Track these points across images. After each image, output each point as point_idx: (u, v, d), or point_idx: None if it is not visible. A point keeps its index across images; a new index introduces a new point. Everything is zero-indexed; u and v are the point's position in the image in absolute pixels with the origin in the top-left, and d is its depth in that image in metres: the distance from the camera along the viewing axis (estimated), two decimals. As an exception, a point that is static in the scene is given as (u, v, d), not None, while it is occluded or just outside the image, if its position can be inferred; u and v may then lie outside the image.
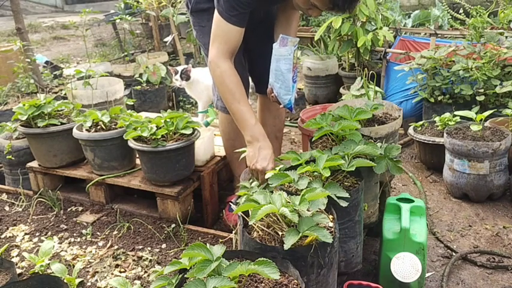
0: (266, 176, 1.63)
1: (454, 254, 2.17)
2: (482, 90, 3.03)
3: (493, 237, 2.31)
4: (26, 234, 2.38)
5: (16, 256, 2.21)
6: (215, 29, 1.94)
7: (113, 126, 2.44)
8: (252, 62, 2.37)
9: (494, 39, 3.37)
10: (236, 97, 1.92)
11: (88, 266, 2.10)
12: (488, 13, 3.93)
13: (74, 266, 2.07)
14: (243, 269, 1.14)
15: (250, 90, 2.55)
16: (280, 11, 2.16)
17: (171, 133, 2.27)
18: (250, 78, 2.47)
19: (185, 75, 3.34)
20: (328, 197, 1.44)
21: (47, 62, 5.81)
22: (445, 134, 2.64)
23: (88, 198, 2.56)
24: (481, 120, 2.60)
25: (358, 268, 1.76)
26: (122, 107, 2.56)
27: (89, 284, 1.99)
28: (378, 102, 2.18)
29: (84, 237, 2.31)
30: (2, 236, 2.38)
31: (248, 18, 2.04)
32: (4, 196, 2.77)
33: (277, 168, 1.70)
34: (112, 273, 2.04)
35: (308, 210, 1.36)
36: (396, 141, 2.15)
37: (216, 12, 1.93)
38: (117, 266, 2.09)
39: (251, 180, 1.81)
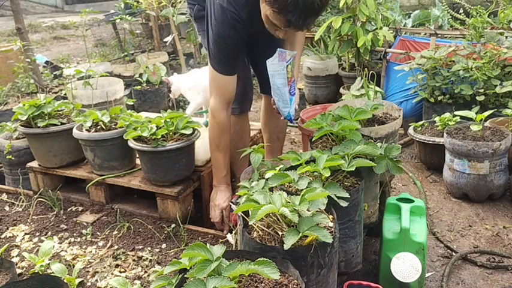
0: (266, 176, 1.64)
1: (454, 254, 2.17)
2: (482, 90, 3.03)
3: (493, 237, 2.31)
4: (26, 234, 2.38)
5: (16, 256, 2.21)
6: (211, 81, 2.11)
7: (113, 126, 2.44)
8: (256, 63, 2.38)
9: (494, 39, 3.37)
10: (220, 148, 2.17)
11: (88, 266, 2.10)
12: (488, 13, 3.93)
13: (74, 266, 2.07)
14: (243, 269, 1.14)
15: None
16: None
17: (171, 133, 2.27)
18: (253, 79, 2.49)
19: (168, 89, 3.42)
20: (328, 197, 1.44)
21: (47, 62, 5.81)
22: (445, 134, 2.64)
23: (88, 198, 2.56)
24: (481, 120, 2.60)
25: (358, 268, 1.76)
26: (122, 107, 2.56)
27: (89, 284, 1.99)
28: (377, 102, 2.18)
29: (84, 237, 2.31)
30: (2, 236, 2.38)
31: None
32: (4, 196, 2.77)
33: (277, 168, 1.70)
34: (112, 273, 2.04)
35: (308, 210, 1.36)
36: (396, 141, 2.15)
37: (209, 65, 2.08)
38: (117, 266, 2.09)
39: (251, 180, 1.82)
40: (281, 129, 2.59)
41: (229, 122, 2.17)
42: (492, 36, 3.40)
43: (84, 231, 2.35)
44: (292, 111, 2.08)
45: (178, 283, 1.24)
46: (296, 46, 2.16)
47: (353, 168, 1.61)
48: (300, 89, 4.86)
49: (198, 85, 3.24)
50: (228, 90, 2.09)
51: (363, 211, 1.72)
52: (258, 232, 1.38)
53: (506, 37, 3.44)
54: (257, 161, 1.90)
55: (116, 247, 2.22)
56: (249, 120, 2.59)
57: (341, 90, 4.22)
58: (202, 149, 2.44)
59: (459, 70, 3.12)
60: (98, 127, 2.44)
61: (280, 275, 1.14)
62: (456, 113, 2.80)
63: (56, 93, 4.75)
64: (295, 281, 1.23)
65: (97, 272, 2.06)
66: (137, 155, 2.43)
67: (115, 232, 2.33)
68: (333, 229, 1.39)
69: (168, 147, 2.19)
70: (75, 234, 2.34)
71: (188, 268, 1.25)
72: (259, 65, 2.37)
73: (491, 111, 2.66)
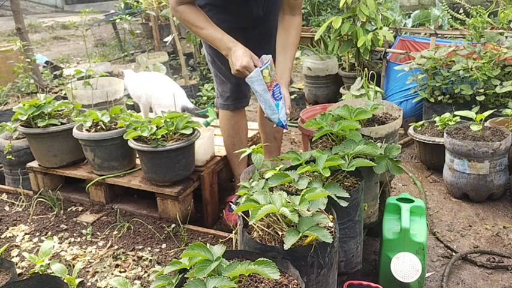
0: (266, 176, 1.63)
1: (454, 254, 2.17)
2: (482, 90, 3.03)
3: (493, 237, 2.31)
4: (26, 234, 2.38)
5: (16, 256, 2.21)
6: None
7: (113, 126, 2.44)
8: None
9: (494, 39, 3.37)
10: (199, 25, 2.01)
11: (88, 266, 2.10)
12: (488, 13, 3.93)
13: (74, 266, 2.07)
14: (243, 269, 1.14)
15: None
16: (280, 17, 2.15)
17: (171, 133, 2.27)
18: None
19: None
20: (328, 197, 1.44)
21: (47, 62, 5.82)
22: (445, 134, 2.64)
23: (88, 198, 2.56)
24: (481, 120, 2.60)
25: (358, 268, 1.76)
26: (122, 107, 2.56)
27: (89, 284, 1.99)
28: (377, 102, 2.18)
29: (84, 237, 2.31)
30: (2, 236, 2.38)
31: (246, 16, 2.04)
32: (4, 196, 2.77)
33: (277, 168, 1.70)
34: (112, 273, 2.04)
35: (308, 210, 1.36)
36: (396, 141, 2.15)
37: None
38: (117, 266, 2.09)
39: (251, 180, 1.81)
40: (277, 129, 2.58)
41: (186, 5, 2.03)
42: (492, 36, 3.41)
43: (84, 231, 2.35)
44: (282, 117, 1.96)
45: (178, 283, 1.24)
46: (288, 47, 2.10)
47: (353, 168, 1.61)
48: (300, 89, 4.86)
49: (140, 88, 3.19)
50: None
51: (363, 211, 1.72)
52: (258, 232, 1.38)
53: (506, 37, 3.44)
54: (259, 161, 1.89)
55: (116, 247, 2.22)
56: (249, 120, 2.58)
57: (341, 90, 4.22)
58: (202, 149, 2.44)
59: (459, 70, 3.12)
60: (98, 127, 2.44)
61: (280, 275, 1.14)
62: (456, 113, 2.80)
63: (56, 93, 4.75)
64: (295, 281, 1.23)
65: (97, 272, 2.06)
66: (137, 155, 2.43)
67: (115, 232, 2.33)
68: (333, 229, 1.39)
69: (168, 147, 2.19)
70: (75, 234, 2.34)
71: (188, 268, 1.25)
72: None
73: (491, 111, 2.66)
